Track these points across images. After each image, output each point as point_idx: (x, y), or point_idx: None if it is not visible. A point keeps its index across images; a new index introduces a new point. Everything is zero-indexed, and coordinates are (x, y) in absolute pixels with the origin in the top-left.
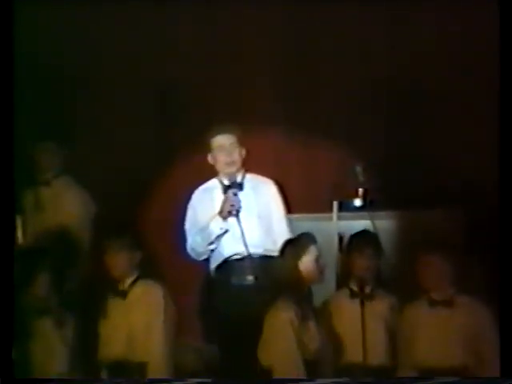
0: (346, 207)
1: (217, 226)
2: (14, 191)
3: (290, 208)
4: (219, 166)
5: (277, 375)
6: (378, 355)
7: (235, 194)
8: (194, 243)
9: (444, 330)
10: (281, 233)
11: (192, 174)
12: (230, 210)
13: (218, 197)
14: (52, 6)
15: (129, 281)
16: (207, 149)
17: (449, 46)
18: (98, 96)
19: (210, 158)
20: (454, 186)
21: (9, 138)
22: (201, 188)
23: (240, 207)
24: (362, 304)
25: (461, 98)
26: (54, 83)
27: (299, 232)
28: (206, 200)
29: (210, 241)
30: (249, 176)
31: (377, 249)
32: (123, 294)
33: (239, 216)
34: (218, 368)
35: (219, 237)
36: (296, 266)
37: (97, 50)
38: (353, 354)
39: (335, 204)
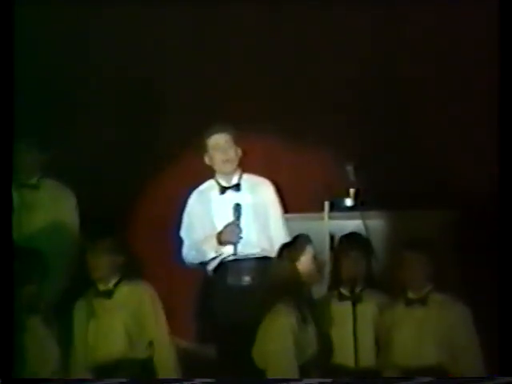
0: (337, 207)
1: (212, 248)
2: (11, 191)
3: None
4: (216, 165)
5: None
6: (366, 357)
7: (238, 226)
8: (189, 255)
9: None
10: (277, 233)
11: (183, 175)
12: (229, 240)
13: (215, 199)
14: (52, 5)
15: (112, 282)
16: (204, 150)
17: (448, 45)
18: (88, 96)
19: (206, 159)
20: (446, 187)
21: (8, 139)
22: (197, 190)
23: (240, 238)
24: (352, 306)
25: (459, 98)
26: (52, 83)
27: (292, 232)
28: (203, 202)
29: (203, 260)
30: (246, 176)
31: (366, 251)
32: (108, 294)
33: (237, 246)
34: (213, 369)
35: (213, 259)
36: (295, 268)
37: (96, 50)
38: (341, 356)
39: (326, 204)
